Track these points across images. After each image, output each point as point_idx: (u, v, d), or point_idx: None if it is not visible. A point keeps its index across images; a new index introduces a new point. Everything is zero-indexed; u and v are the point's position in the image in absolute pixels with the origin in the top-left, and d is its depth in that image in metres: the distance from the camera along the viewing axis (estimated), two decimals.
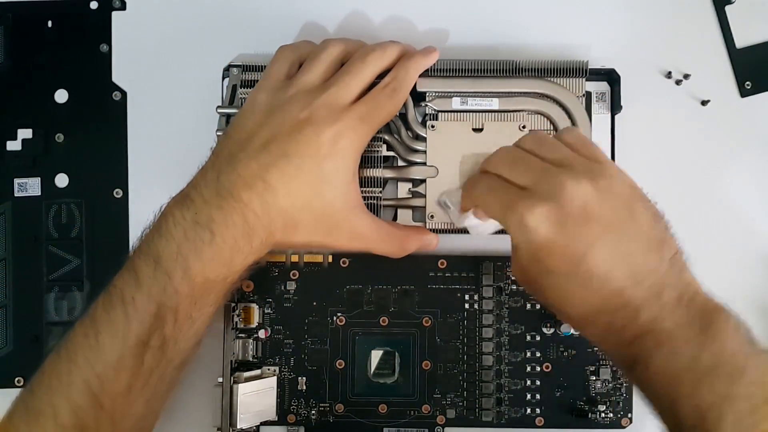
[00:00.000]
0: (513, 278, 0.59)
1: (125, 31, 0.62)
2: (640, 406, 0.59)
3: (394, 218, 0.59)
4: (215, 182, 0.48)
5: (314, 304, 0.59)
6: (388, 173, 0.58)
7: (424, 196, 0.57)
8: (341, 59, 0.53)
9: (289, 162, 0.47)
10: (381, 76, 0.54)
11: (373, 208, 0.57)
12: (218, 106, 0.58)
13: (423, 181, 0.57)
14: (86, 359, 0.47)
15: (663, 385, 0.43)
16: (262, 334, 0.59)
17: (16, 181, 0.61)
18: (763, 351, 0.43)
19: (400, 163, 0.58)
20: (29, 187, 0.61)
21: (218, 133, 0.57)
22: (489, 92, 0.57)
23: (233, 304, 0.58)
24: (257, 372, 0.58)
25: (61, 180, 0.61)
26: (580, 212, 0.44)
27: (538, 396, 0.59)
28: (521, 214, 0.44)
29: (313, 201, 0.49)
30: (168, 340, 0.48)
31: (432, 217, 0.57)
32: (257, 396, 0.56)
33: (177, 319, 0.47)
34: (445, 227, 0.57)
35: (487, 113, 0.57)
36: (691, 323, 0.43)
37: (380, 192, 0.57)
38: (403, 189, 0.59)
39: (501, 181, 0.48)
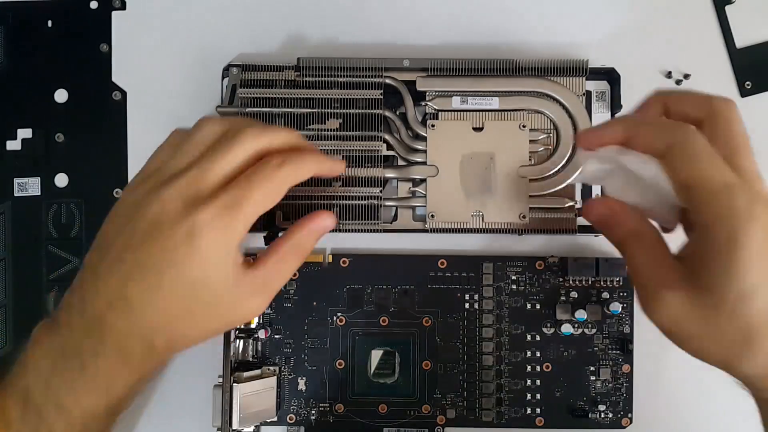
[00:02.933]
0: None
1: (125, 31, 0.62)
2: (640, 406, 0.59)
3: (395, 218, 0.59)
4: (81, 303, 0.41)
5: (314, 304, 0.59)
6: (388, 173, 0.58)
7: (424, 195, 0.57)
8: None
9: (146, 274, 0.40)
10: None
11: (373, 208, 0.57)
12: (218, 106, 0.58)
13: (423, 180, 0.57)
14: None
15: None
16: (262, 334, 0.59)
17: (16, 180, 0.61)
18: None
19: (400, 162, 0.58)
20: (29, 186, 0.61)
21: None
22: (489, 91, 0.57)
23: None
24: (257, 372, 0.58)
25: (61, 180, 0.61)
26: None
27: (538, 396, 0.59)
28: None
29: (192, 306, 0.41)
30: None
31: (432, 216, 0.57)
32: (257, 396, 0.56)
33: None
34: (446, 227, 0.57)
35: (487, 112, 0.57)
36: None
37: (380, 192, 0.57)
38: (404, 188, 0.59)
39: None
